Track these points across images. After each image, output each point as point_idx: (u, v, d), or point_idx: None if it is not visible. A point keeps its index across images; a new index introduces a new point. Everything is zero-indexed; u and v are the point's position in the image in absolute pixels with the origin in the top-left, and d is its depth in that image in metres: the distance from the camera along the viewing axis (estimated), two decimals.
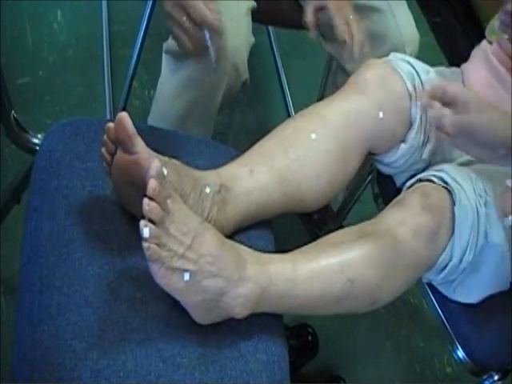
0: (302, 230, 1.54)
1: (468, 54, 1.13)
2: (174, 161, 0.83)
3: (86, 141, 0.89)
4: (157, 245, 0.69)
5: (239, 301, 0.76)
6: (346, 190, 1.41)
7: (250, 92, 1.80)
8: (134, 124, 0.74)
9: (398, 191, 1.00)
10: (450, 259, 0.89)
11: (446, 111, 0.85)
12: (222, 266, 0.74)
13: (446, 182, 0.90)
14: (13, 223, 1.14)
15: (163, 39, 1.10)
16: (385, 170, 1.06)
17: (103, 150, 0.79)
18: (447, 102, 0.86)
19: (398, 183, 1.06)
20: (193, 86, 1.09)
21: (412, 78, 0.98)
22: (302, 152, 0.90)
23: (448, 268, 0.89)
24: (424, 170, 1.00)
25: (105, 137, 0.78)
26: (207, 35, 0.96)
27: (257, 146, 0.91)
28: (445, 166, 0.95)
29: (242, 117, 1.78)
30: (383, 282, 0.83)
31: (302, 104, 0.99)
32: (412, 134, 0.97)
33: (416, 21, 1.20)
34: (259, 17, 1.13)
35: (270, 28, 1.94)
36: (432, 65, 1.04)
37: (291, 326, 1.39)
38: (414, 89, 0.97)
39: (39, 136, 0.99)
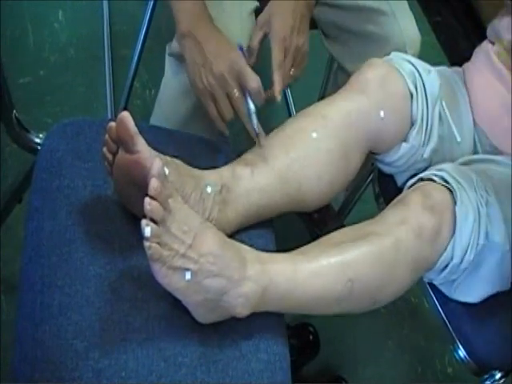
0: (302, 230, 1.54)
1: (469, 54, 1.13)
2: (176, 160, 0.83)
3: (87, 140, 0.89)
4: (158, 244, 0.69)
5: (240, 300, 0.76)
6: (346, 191, 1.41)
7: None
8: (136, 124, 0.74)
9: (399, 190, 1.00)
10: (451, 259, 0.88)
11: None
12: (223, 266, 0.74)
13: (447, 182, 0.90)
14: (14, 222, 1.14)
15: (164, 39, 1.10)
16: (386, 169, 1.06)
17: (105, 149, 0.79)
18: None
19: (399, 183, 1.06)
20: None
21: (413, 78, 0.98)
22: (302, 152, 0.90)
23: (449, 268, 0.89)
24: (425, 169, 1.00)
25: (106, 136, 0.78)
26: (251, 104, 0.89)
27: (258, 146, 0.91)
28: (446, 166, 0.95)
29: None
30: (384, 281, 0.83)
31: (303, 104, 0.99)
32: (413, 133, 0.97)
33: (417, 20, 1.20)
34: None
35: None
36: (433, 64, 1.04)
37: (292, 325, 1.39)
38: (416, 88, 0.97)
39: (40, 136, 0.99)
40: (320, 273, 0.79)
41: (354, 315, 0.87)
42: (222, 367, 0.76)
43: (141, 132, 0.75)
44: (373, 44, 1.15)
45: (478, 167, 0.98)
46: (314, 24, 1.20)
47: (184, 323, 0.77)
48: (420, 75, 0.98)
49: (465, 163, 1.01)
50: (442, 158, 1.02)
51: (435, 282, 0.97)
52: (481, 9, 2.16)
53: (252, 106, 0.89)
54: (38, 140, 0.98)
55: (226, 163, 0.90)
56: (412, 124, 0.98)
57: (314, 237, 0.88)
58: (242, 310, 0.77)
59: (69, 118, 0.93)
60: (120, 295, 0.77)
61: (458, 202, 0.88)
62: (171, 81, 1.10)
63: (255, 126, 0.89)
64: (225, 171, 0.88)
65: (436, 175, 0.92)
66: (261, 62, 0.99)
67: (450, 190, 0.89)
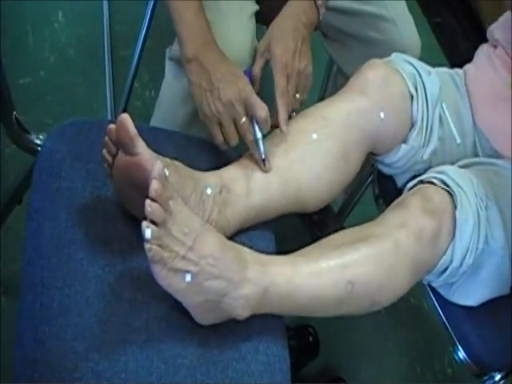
0: (302, 231, 1.54)
1: (468, 55, 1.13)
2: (176, 162, 0.83)
3: (87, 142, 0.89)
4: (158, 246, 0.69)
5: (240, 302, 0.76)
6: (345, 194, 1.41)
7: None
8: (136, 125, 0.74)
9: (399, 192, 1.00)
10: (451, 262, 0.88)
11: None
12: (224, 268, 0.74)
13: (447, 185, 0.90)
14: (14, 223, 1.14)
15: (164, 40, 1.10)
16: (386, 170, 1.06)
17: (104, 151, 0.79)
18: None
19: (399, 184, 1.06)
20: None
21: (414, 79, 0.98)
22: (302, 153, 0.90)
23: (448, 271, 0.89)
24: (425, 170, 1.00)
25: (106, 138, 0.78)
26: (258, 131, 0.89)
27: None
28: (446, 168, 0.95)
29: None
30: (384, 284, 0.83)
31: (303, 105, 0.99)
32: (413, 134, 0.97)
33: (417, 21, 1.20)
34: (261, 19, 1.13)
35: None
36: (433, 65, 1.04)
37: (292, 326, 1.39)
38: (416, 89, 0.97)
39: (40, 137, 0.99)
40: (320, 275, 0.79)
41: (353, 316, 0.87)
42: (221, 368, 0.76)
43: (140, 133, 0.75)
44: (372, 49, 1.15)
45: (478, 170, 0.98)
46: None
47: (184, 324, 0.77)
48: (420, 76, 0.98)
49: (465, 166, 1.01)
50: (441, 160, 1.02)
51: (434, 285, 0.97)
52: (481, 10, 2.16)
53: (259, 134, 0.89)
54: (37, 141, 0.98)
55: (225, 164, 0.90)
56: (412, 125, 0.98)
57: (314, 238, 0.88)
58: (242, 312, 0.77)
59: (69, 119, 0.93)
60: (120, 297, 0.77)
61: (458, 206, 0.88)
62: (171, 85, 1.10)
63: (262, 153, 0.89)
64: (224, 172, 0.88)
65: (436, 178, 0.92)
66: (265, 85, 1.00)
67: (449, 193, 0.89)
